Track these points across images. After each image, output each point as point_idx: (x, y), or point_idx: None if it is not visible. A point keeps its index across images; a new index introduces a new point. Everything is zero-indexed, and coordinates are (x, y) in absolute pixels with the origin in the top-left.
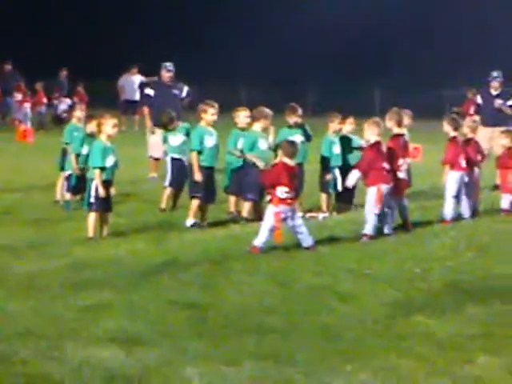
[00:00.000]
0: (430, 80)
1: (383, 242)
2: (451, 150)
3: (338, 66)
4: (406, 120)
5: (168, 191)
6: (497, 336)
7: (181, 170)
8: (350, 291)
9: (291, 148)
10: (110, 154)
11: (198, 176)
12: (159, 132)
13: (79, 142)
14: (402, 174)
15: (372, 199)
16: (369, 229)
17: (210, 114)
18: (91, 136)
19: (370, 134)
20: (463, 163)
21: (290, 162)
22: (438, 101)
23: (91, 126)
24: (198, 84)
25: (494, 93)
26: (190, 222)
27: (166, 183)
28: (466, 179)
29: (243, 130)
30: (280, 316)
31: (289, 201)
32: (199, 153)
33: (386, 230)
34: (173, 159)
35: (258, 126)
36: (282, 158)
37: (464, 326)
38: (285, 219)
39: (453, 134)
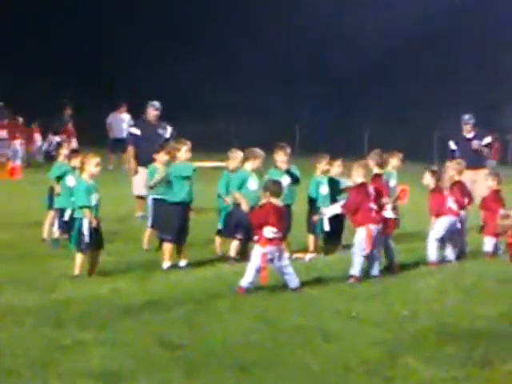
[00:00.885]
0: (419, 122)
1: (370, 284)
2: (435, 200)
3: (327, 104)
4: (396, 161)
5: (149, 232)
6: (479, 378)
7: (161, 209)
8: (335, 332)
9: (276, 187)
10: (93, 192)
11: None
12: (143, 171)
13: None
14: (388, 214)
15: (361, 240)
16: (356, 270)
17: (183, 151)
18: (74, 169)
19: (356, 176)
20: (454, 207)
21: (278, 202)
22: (427, 142)
23: (75, 162)
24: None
25: (468, 136)
26: (166, 264)
27: (149, 224)
28: (459, 226)
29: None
30: (264, 353)
31: (276, 241)
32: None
33: (373, 272)
34: (154, 200)
35: (248, 166)
36: (269, 198)
37: (448, 368)
38: (272, 260)
39: (433, 185)
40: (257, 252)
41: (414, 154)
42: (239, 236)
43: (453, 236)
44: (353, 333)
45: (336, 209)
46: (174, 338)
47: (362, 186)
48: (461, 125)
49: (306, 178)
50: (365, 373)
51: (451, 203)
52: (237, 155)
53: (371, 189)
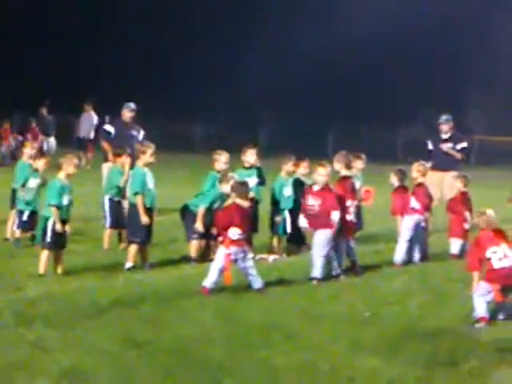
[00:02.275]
0: (383, 124)
1: (333, 285)
2: (397, 200)
3: (292, 106)
4: (360, 164)
5: (109, 232)
6: (443, 378)
7: (118, 209)
8: (298, 332)
9: (242, 188)
10: (66, 192)
11: (145, 219)
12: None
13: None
14: (350, 217)
15: (319, 243)
16: (317, 272)
17: (148, 154)
18: (36, 171)
19: (322, 181)
20: (417, 206)
21: (243, 203)
22: (391, 144)
23: (39, 163)
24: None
25: (444, 136)
26: (128, 264)
27: (107, 225)
28: (423, 224)
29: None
30: (228, 351)
31: (240, 242)
32: (143, 195)
33: (334, 272)
34: (110, 199)
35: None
36: (235, 199)
37: (412, 368)
38: (235, 260)
39: (398, 184)
40: (221, 253)
41: (379, 156)
42: (195, 236)
43: (418, 236)
44: (315, 332)
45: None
46: (140, 337)
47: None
48: (438, 125)
49: (270, 179)
50: (327, 372)
51: (414, 203)
52: (220, 157)
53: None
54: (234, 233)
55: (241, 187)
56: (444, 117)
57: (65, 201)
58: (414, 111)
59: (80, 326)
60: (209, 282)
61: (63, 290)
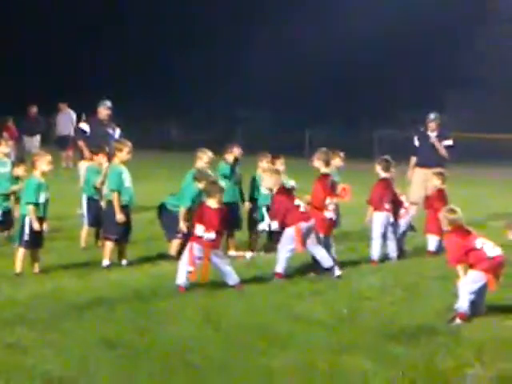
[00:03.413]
0: (361, 121)
1: (311, 283)
2: (377, 191)
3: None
4: (338, 161)
5: (86, 230)
6: (419, 376)
7: (96, 207)
8: (277, 331)
9: (214, 188)
10: (43, 190)
11: (120, 217)
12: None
13: (4, 181)
14: (329, 214)
15: (288, 237)
16: (280, 267)
17: (125, 152)
18: (17, 179)
19: (272, 184)
20: (387, 205)
21: (213, 204)
22: (368, 142)
23: (18, 171)
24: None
25: (431, 134)
26: (105, 262)
27: (85, 223)
28: (392, 219)
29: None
30: (208, 354)
31: (208, 242)
32: (119, 192)
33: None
34: (88, 198)
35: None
36: (206, 199)
37: (388, 366)
38: (199, 258)
39: (383, 175)
40: (187, 249)
41: (357, 154)
42: (179, 235)
43: (390, 231)
44: (294, 331)
45: (275, 224)
46: (117, 338)
47: (281, 189)
48: (425, 122)
49: (247, 176)
50: (306, 371)
51: (386, 201)
52: (204, 155)
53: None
54: (200, 230)
55: (211, 187)
56: (432, 115)
57: (41, 199)
58: (392, 111)
59: (58, 328)
60: (180, 279)
61: (41, 291)
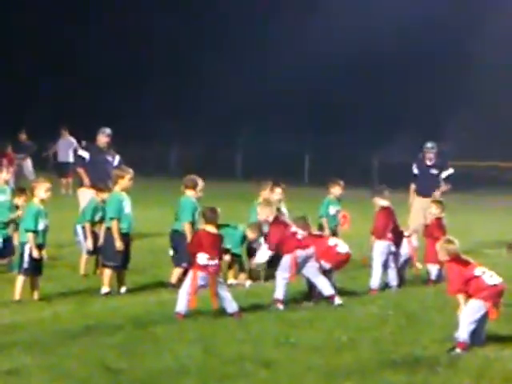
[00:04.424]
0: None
1: (311, 311)
2: (381, 220)
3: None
4: (338, 190)
5: (85, 258)
6: None
7: (94, 235)
8: (274, 359)
9: (212, 215)
10: (42, 217)
11: (119, 244)
12: (88, 193)
13: (4, 209)
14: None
15: (285, 265)
16: (279, 294)
17: (127, 179)
18: (16, 207)
19: (265, 214)
20: (389, 234)
21: (212, 229)
22: (367, 169)
23: (19, 200)
24: None
25: (429, 163)
26: (104, 290)
27: (84, 251)
28: (393, 249)
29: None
30: (198, 381)
31: (210, 268)
32: (118, 220)
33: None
34: (82, 227)
35: (190, 194)
36: (204, 225)
37: None
38: (203, 286)
39: (384, 203)
40: (189, 277)
41: (355, 181)
42: (184, 264)
43: (391, 260)
44: (291, 359)
45: (266, 253)
46: (114, 365)
47: (276, 219)
48: (423, 152)
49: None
50: None
51: (389, 230)
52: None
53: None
54: (203, 258)
55: (210, 213)
56: (429, 144)
57: (40, 226)
58: (389, 135)
59: (55, 354)
60: (180, 307)
61: (39, 317)
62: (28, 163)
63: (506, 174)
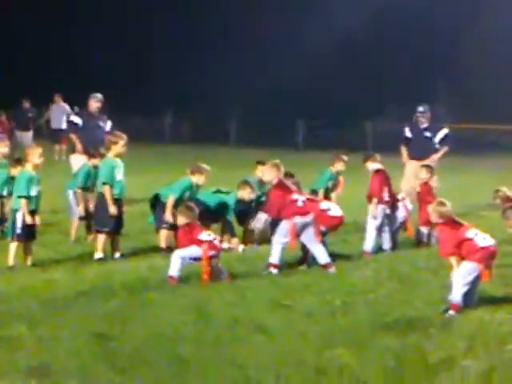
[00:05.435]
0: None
1: (304, 275)
2: (376, 183)
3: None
4: (341, 166)
5: (76, 224)
6: (412, 367)
7: (85, 201)
8: (268, 324)
9: (190, 212)
10: (35, 183)
11: (112, 209)
12: (81, 158)
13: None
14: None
15: (281, 231)
16: (275, 259)
17: (120, 145)
18: (12, 179)
19: (270, 176)
20: (386, 196)
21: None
22: (360, 134)
23: (15, 171)
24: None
25: (422, 126)
26: (98, 255)
27: (76, 217)
28: (388, 211)
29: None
30: (198, 348)
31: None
32: (111, 186)
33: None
34: (75, 193)
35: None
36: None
37: (380, 358)
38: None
39: (377, 166)
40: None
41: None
42: (164, 225)
43: (386, 224)
44: (285, 324)
45: (263, 218)
46: (107, 332)
47: (279, 183)
48: (415, 116)
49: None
50: (296, 365)
51: (385, 193)
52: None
53: (290, 183)
54: (205, 235)
55: (187, 210)
56: (420, 108)
57: (33, 192)
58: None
59: (47, 323)
60: (173, 270)
61: (32, 284)
62: (29, 135)
63: (502, 136)
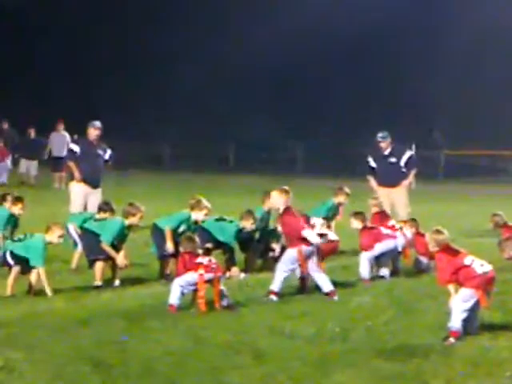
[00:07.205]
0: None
1: (304, 302)
2: (365, 238)
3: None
4: (344, 199)
5: (78, 253)
6: None
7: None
8: (267, 350)
9: (190, 244)
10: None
11: (121, 262)
12: (79, 187)
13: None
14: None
15: (288, 259)
16: (276, 286)
17: (137, 218)
18: (13, 216)
19: (279, 204)
20: (377, 248)
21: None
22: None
23: (16, 209)
24: None
25: (385, 153)
26: (97, 283)
27: (78, 248)
28: (399, 247)
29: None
30: (195, 375)
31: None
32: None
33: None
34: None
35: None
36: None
37: (379, 382)
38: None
39: (361, 226)
40: (190, 275)
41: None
42: (166, 253)
43: (388, 256)
44: (284, 350)
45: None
46: (106, 359)
47: (289, 210)
48: (376, 143)
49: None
50: None
51: (385, 231)
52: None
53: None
54: (202, 259)
55: (187, 242)
56: (380, 134)
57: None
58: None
59: (47, 350)
60: (173, 298)
61: (31, 312)
62: (34, 165)
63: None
